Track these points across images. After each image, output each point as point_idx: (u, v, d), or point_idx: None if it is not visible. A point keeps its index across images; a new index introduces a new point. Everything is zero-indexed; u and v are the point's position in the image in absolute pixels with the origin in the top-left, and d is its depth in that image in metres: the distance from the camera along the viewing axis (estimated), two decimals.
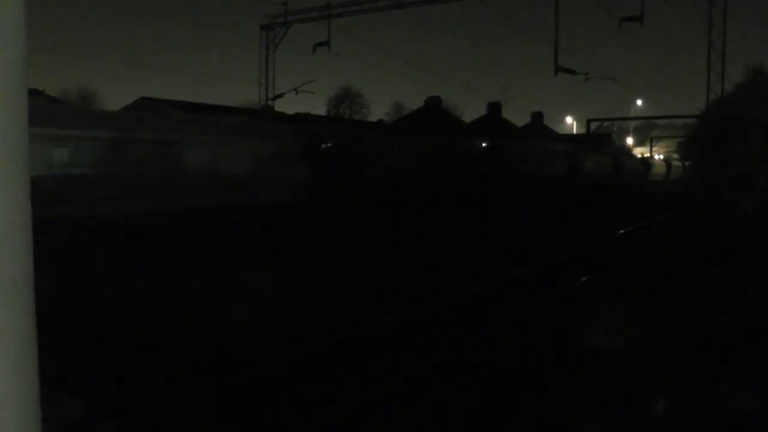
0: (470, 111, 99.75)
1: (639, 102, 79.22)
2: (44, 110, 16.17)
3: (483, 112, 62.61)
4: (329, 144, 23.27)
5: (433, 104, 56.11)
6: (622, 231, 19.89)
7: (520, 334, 8.36)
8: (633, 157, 55.44)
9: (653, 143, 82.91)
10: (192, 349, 7.19)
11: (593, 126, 61.55)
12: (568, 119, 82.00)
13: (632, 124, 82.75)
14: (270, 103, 35.14)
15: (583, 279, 11.93)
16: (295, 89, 34.27)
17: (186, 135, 18.25)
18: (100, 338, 7.41)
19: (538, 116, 68.17)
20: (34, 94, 31.90)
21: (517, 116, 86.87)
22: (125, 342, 7.33)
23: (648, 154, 76.72)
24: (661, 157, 75.19)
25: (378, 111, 68.39)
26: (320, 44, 32.09)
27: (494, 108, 61.16)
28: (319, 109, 52.36)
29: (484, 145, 31.93)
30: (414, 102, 68.76)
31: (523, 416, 5.80)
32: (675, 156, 70.68)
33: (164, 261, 10.97)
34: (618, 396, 5.83)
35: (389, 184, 22.20)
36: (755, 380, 6.14)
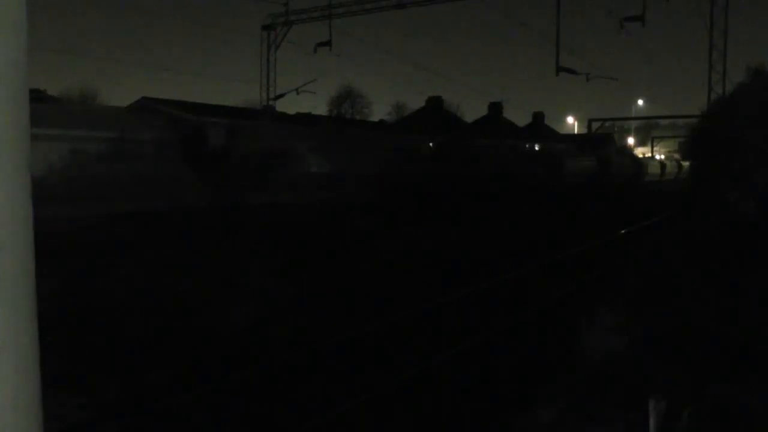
0: (471, 111, 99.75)
1: (640, 102, 79.34)
2: None
3: (484, 111, 62.59)
4: None
5: (435, 104, 56.08)
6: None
7: None
8: (581, 157, 40.46)
9: (654, 143, 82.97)
10: None
11: (594, 126, 61.55)
12: (570, 119, 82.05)
13: (633, 124, 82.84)
14: (271, 103, 35.13)
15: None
16: (297, 89, 34.25)
17: None
18: None
19: (539, 116, 68.16)
20: (35, 94, 31.88)
21: (519, 116, 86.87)
22: None
23: (649, 154, 76.70)
24: (661, 156, 75.07)
25: (379, 111, 68.17)
26: (321, 44, 32.05)
27: (495, 108, 61.12)
28: (320, 109, 52.28)
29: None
30: (415, 102, 68.75)
31: None
32: (676, 155, 70.64)
33: None
34: None
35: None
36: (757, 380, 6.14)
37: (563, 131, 74.39)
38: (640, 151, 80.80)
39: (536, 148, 38.12)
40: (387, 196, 21.12)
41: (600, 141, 55.95)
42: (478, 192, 24.45)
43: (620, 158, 47.11)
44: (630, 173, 45.36)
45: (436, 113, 53.57)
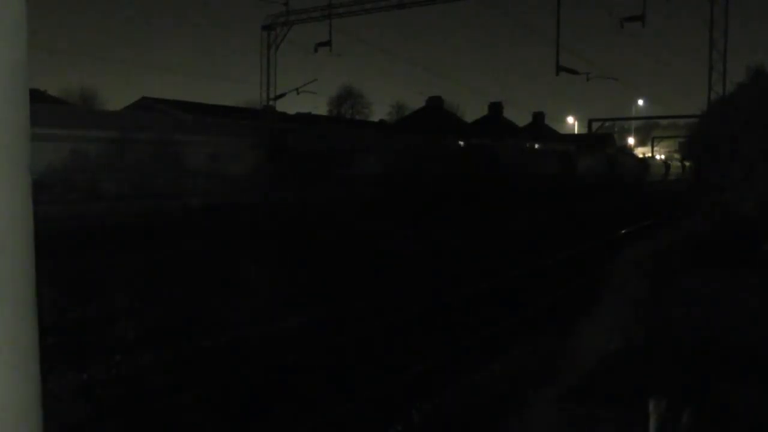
0: (472, 111, 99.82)
1: (641, 102, 79.34)
2: None
3: (484, 111, 62.59)
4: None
5: (435, 104, 56.10)
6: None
7: None
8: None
9: (655, 143, 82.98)
10: None
11: (595, 126, 61.55)
12: (570, 119, 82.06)
13: (634, 123, 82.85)
14: (271, 103, 35.15)
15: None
16: (297, 89, 34.29)
17: None
18: None
19: (539, 116, 68.16)
20: (35, 94, 31.89)
21: (519, 116, 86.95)
22: None
23: (649, 154, 76.74)
24: (662, 156, 75.10)
25: (379, 111, 68.16)
26: (321, 44, 32.09)
27: (496, 108, 61.11)
28: (321, 109, 52.33)
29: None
30: (415, 102, 68.83)
31: None
32: (676, 155, 70.76)
33: None
34: None
35: None
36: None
37: (563, 131, 74.38)
38: (641, 151, 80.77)
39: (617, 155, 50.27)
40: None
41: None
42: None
43: (654, 161, 61.53)
44: (661, 173, 57.89)
45: (436, 113, 53.57)
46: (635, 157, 62.01)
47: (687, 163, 61.18)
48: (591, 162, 40.31)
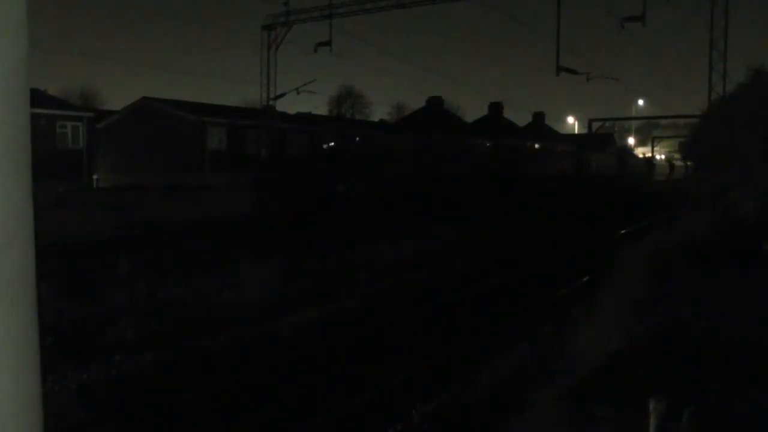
0: (472, 111, 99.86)
1: (641, 102, 79.35)
2: None
3: (484, 111, 62.55)
4: None
5: (435, 104, 56.05)
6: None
7: None
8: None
9: (655, 143, 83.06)
10: None
11: (595, 126, 61.51)
12: (570, 119, 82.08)
13: (634, 123, 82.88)
14: (271, 103, 35.13)
15: None
16: (297, 89, 34.27)
17: None
18: None
19: (539, 116, 68.12)
20: (35, 94, 31.86)
21: (519, 116, 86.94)
22: None
23: (649, 154, 76.80)
24: (662, 156, 75.11)
25: (379, 111, 68.12)
26: (322, 44, 32.07)
27: (495, 108, 61.06)
28: (321, 109, 52.23)
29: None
30: (415, 102, 68.81)
31: None
32: (676, 155, 70.96)
33: None
34: None
35: None
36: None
37: (563, 131, 74.38)
38: (641, 151, 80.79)
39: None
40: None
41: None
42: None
43: (678, 163, 69.04)
44: (683, 172, 65.32)
45: (436, 113, 53.54)
46: (663, 159, 73.30)
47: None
48: (638, 163, 56.18)
